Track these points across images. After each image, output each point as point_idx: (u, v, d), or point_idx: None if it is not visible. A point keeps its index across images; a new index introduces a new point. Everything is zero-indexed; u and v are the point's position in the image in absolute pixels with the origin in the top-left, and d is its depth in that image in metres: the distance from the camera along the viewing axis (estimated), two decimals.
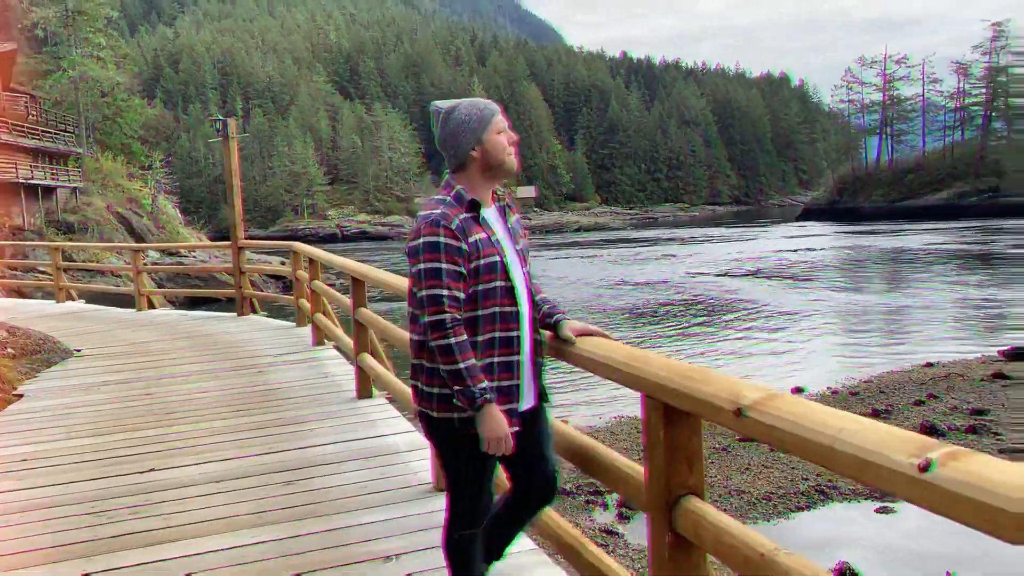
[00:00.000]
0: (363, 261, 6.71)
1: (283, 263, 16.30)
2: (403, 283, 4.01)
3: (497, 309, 2.41)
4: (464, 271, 2.35)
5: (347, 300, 6.40)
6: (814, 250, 45.81)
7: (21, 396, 6.88)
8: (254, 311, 11.57)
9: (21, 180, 37.65)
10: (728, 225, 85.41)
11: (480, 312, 2.39)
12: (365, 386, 6.28)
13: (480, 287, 2.38)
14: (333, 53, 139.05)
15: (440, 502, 4.06)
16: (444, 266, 2.33)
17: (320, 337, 8.53)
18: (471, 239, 2.37)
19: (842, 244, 49.40)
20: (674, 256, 46.98)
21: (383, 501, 4.12)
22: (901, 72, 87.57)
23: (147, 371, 7.74)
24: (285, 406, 6.20)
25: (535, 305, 2.59)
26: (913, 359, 15.18)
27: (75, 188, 42.59)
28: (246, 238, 11.58)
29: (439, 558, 3.23)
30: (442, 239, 2.34)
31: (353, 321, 6.14)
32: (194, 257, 37.27)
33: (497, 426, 2.35)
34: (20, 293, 20.83)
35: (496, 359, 2.41)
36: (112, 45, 54.19)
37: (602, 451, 2.58)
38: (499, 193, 2.54)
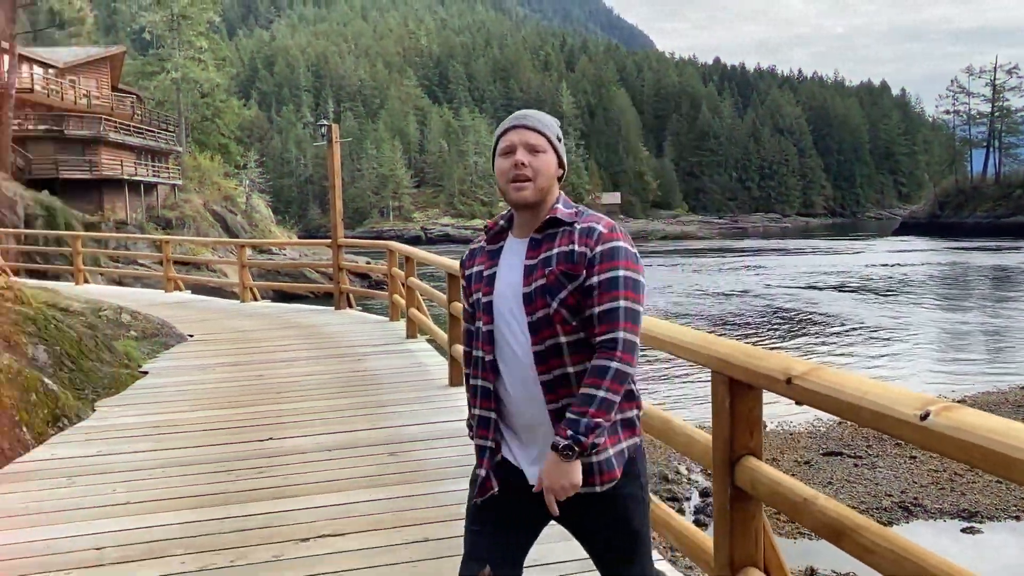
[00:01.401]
0: None
1: (368, 263, 16.95)
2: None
3: (478, 354, 2.07)
4: (467, 307, 2.18)
5: (442, 296, 6.82)
6: (911, 265, 44.44)
7: (146, 373, 7.55)
8: (350, 306, 12.17)
9: (125, 176, 39.84)
10: (821, 237, 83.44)
11: (472, 352, 2.12)
12: (457, 374, 6.68)
13: (475, 325, 2.11)
14: (423, 57, 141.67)
15: None
16: (463, 300, 2.21)
17: (414, 331, 8.99)
18: (468, 271, 2.16)
19: (941, 260, 47.74)
20: (762, 267, 46.27)
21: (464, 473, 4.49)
22: (1012, 83, 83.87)
23: (256, 355, 8.36)
24: (383, 390, 6.68)
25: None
26: (1012, 380, 14.79)
27: (174, 185, 44.77)
28: (318, 236, 12.17)
29: None
30: (460, 271, 2.24)
31: (448, 315, 6.52)
32: (284, 254, 38.75)
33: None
34: (119, 283, 22.12)
35: (476, 411, 2.09)
36: (212, 48, 56.61)
37: (675, 421, 2.89)
38: (556, 219, 2.03)
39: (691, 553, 2.82)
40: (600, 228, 1.98)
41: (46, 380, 5.92)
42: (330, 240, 11.79)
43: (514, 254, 2.05)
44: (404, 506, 4.02)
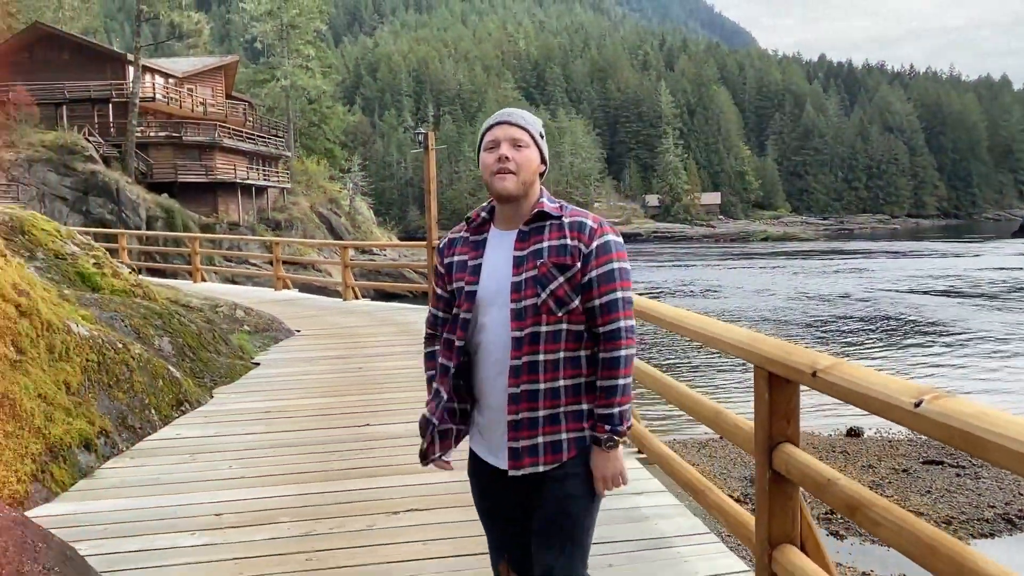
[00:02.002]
0: None
1: None
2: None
3: (453, 339, 2.14)
4: (440, 292, 2.24)
5: None
6: None
7: (258, 364, 8.21)
8: None
9: (238, 180, 41.93)
10: (933, 239, 79.93)
11: (444, 335, 2.20)
12: None
13: (454, 312, 2.18)
14: (521, 60, 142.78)
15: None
16: (434, 284, 2.29)
17: None
18: (447, 259, 2.21)
19: None
20: (868, 270, 44.80)
21: None
22: None
23: (356, 350, 8.95)
24: None
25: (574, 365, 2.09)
26: None
27: (283, 188, 46.76)
28: (415, 238, 12.69)
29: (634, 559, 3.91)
30: (436, 259, 2.30)
31: None
32: (384, 255, 40.01)
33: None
34: (232, 281, 23.39)
35: (442, 389, 2.18)
36: (319, 56, 58.68)
37: (724, 411, 3.15)
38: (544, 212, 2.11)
39: (735, 530, 3.08)
40: (590, 223, 2.09)
41: (171, 368, 6.57)
42: (426, 242, 12.33)
43: (500, 245, 2.12)
44: None
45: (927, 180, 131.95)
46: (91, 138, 38.11)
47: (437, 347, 2.24)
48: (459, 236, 2.22)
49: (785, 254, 63.97)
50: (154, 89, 42.34)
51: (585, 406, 2.10)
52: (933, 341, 21.55)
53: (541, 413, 2.06)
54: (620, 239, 2.12)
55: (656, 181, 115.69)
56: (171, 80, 44.65)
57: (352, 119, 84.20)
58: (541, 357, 2.05)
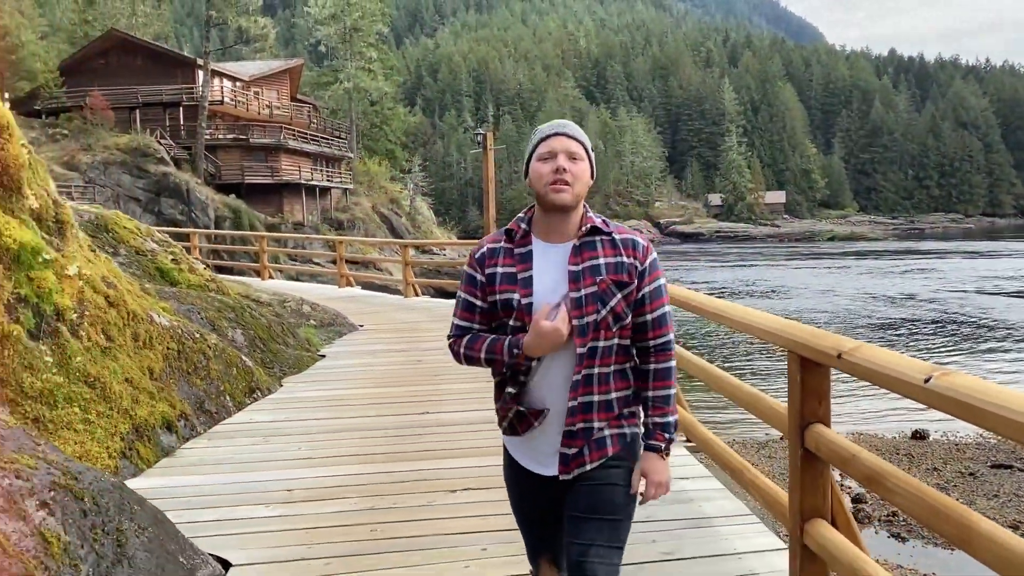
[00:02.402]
0: None
1: None
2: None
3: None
4: (479, 303, 2.18)
5: None
6: None
7: (323, 356, 8.60)
8: None
9: (303, 181, 42.95)
10: (1009, 239, 77.24)
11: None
12: None
13: (495, 324, 2.19)
14: (582, 59, 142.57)
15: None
16: (461, 295, 2.23)
17: None
18: (489, 270, 2.16)
19: None
20: (939, 271, 43.61)
21: None
22: None
23: (416, 343, 9.28)
24: None
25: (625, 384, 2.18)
26: None
27: (346, 189, 47.71)
28: (475, 236, 12.97)
29: (681, 537, 4.10)
30: (465, 268, 2.25)
31: None
32: (443, 253, 40.55)
33: (542, 337, 2.05)
34: (296, 279, 24.05)
35: (502, 404, 2.21)
36: (381, 58, 59.61)
37: (761, 395, 3.32)
38: (593, 227, 2.15)
39: (771, 507, 3.25)
40: (642, 241, 2.18)
41: (244, 358, 6.97)
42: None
43: (551, 258, 2.12)
44: None
45: (1003, 177, 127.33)
46: (163, 141, 39.51)
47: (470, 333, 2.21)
48: (499, 247, 2.18)
49: (852, 254, 62.66)
50: (222, 93, 43.64)
51: (626, 410, 2.18)
52: (1010, 346, 21.00)
53: (595, 424, 2.12)
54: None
55: (719, 180, 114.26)
56: (238, 84, 45.95)
57: (413, 120, 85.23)
58: (596, 370, 2.11)
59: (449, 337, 2.24)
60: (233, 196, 39.35)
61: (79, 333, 5.07)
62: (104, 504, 3.12)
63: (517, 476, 2.26)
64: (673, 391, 2.17)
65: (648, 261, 2.15)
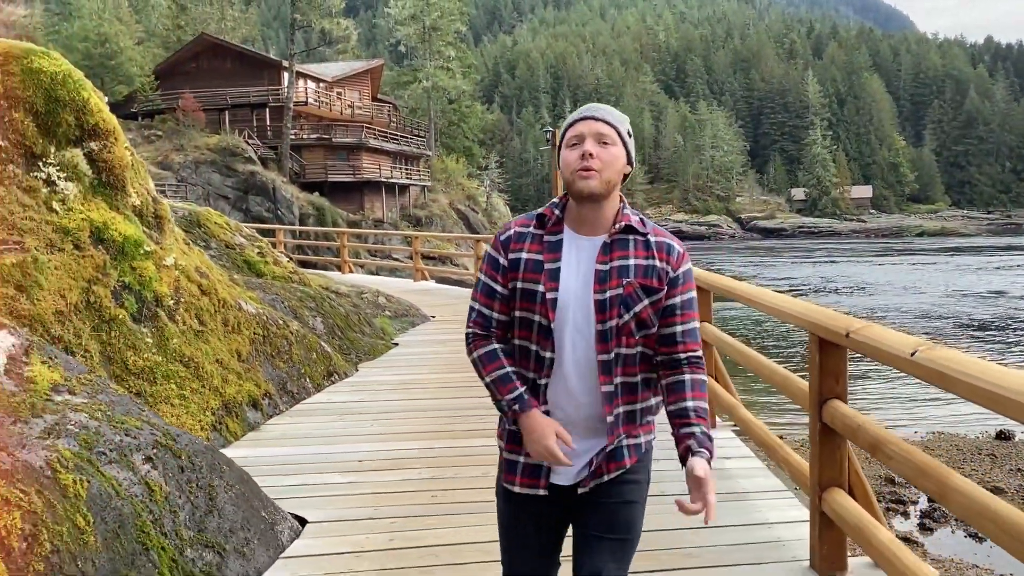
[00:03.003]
0: None
1: None
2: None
3: (528, 345, 2.02)
4: (499, 288, 2.04)
5: None
6: None
7: (397, 344, 9.08)
8: None
9: (383, 179, 44.02)
10: None
11: (514, 342, 2.06)
12: None
13: (517, 314, 2.02)
14: (661, 52, 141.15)
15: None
16: (483, 277, 2.08)
17: None
18: (513, 255, 2.02)
19: None
20: None
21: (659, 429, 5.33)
22: None
23: None
24: None
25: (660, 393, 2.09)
26: None
27: (424, 186, 48.65)
28: None
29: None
30: (489, 249, 2.09)
31: None
32: None
33: (537, 435, 1.96)
34: (375, 273, 24.83)
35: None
36: (459, 56, 60.43)
37: (791, 376, 3.56)
38: (628, 225, 2.01)
39: (797, 478, 3.48)
40: (677, 247, 2.03)
41: (323, 344, 7.47)
42: None
43: (581, 252, 1.99)
44: None
45: None
46: (250, 141, 41.07)
47: (496, 344, 2.06)
48: (528, 231, 2.04)
49: (943, 250, 60.59)
50: (306, 93, 45.04)
51: (649, 418, 2.11)
52: None
53: (624, 435, 2.03)
54: None
55: (802, 174, 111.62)
56: (322, 84, 47.33)
57: (490, 117, 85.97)
58: (639, 377, 2.02)
59: (468, 322, 2.10)
60: (317, 194, 40.63)
61: (175, 318, 5.60)
62: (198, 463, 3.58)
63: (519, 494, 2.07)
64: (706, 404, 2.03)
65: (682, 269, 2.02)
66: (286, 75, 43.04)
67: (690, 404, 1.99)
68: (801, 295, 32.68)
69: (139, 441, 3.35)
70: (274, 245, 18.83)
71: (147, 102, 43.00)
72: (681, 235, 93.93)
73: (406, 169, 48.13)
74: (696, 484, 1.89)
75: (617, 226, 1.99)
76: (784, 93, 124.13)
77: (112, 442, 3.17)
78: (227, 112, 42.58)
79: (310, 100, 45.25)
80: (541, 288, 1.97)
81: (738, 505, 3.95)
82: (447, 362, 8.00)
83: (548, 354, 1.99)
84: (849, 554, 3.22)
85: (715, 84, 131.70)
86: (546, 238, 2.02)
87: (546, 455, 1.95)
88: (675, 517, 3.81)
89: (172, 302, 5.63)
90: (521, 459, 2.05)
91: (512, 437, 2.06)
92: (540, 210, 2.08)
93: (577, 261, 1.99)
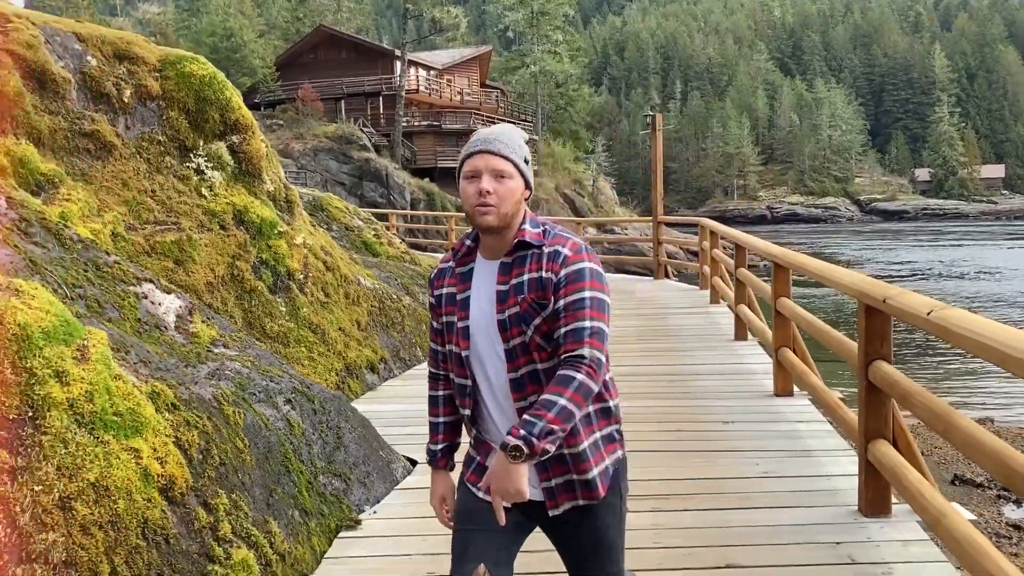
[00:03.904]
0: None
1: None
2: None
3: (454, 377, 2.10)
4: (435, 323, 2.16)
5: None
6: None
7: None
8: (667, 276, 13.57)
9: None
10: None
11: (450, 376, 2.14)
12: (742, 331, 7.77)
13: (447, 347, 2.12)
14: (776, 29, 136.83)
15: (771, 404, 5.52)
16: (431, 319, 2.19)
17: (716, 296, 10.14)
18: (437, 291, 2.13)
19: None
20: None
21: (735, 396, 5.75)
22: None
23: None
24: (676, 340, 8.11)
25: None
26: None
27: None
28: (665, 214, 13.57)
29: (757, 434, 4.79)
30: (428, 289, 2.20)
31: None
32: (626, 231, 41.11)
33: (431, 494, 2.16)
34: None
35: (473, 431, 2.12)
36: (567, 39, 60.39)
37: (846, 340, 3.92)
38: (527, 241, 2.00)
39: (849, 431, 3.85)
40: (565, 251, 1.98)
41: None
42: (651, 217, 13.27)
43: (485, 277, 2.04)
44: (677, 409, 5.53)
45: None
46: (365, 129, 42.65)
47: (440, 391, 2.19)
48: (447, 267, 2.13)
49: None
50: (418, 81, 46.30)
51: (598, 435, 2.04)
52: None
53: (566, 451, 1.97)
54: (597, 266, 2.00)
55: (927, 153, 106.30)
56: (432, 72, 48.54)
57: (598, 100, 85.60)
58: (534, 397, 1.95)
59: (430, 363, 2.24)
60: (427, 180, 41.82)
61: (304, 290, 6.35)
62: (328, 408, 4.25)
63: (469, 501, 2.08)
64: (562, 401, 1.83)
65: (565, 272, 1.95)
66: (398, 64, 44.37)
67: (541, 396, 1.87)
68: (920, 280, 31.57)
69: (281, 387, 4.03)
70: (387, 228, 19.88)
71: (269, 93, 45.16)
72: (796, 218, 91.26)
73: None
74: (492, 472, 1.88)
75: (512, 244, 2.01)
76: (908, 68, 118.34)
77: (260, 386, 3.86)
78: (343, 101, 44.25)
79: (421, 88, 46.46)
80: (455, 319, 2.05)
81: (801, 460, 4.34)
82: None
83: (468, 382, 2.05)
84: (895, 502, 3.57)
85: (833, 60, 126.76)
86: (458, 270, 2.10)
87: (437, 516, 2.16)
88: (743, 469, 4.26)
89: (302, 276, 6.37)
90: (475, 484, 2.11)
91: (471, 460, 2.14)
92: (455, 243, 2.14)
93: (483, 287, 2.04)
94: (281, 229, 6.30)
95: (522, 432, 1.80)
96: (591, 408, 2.02)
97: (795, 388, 5.68)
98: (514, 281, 1.99)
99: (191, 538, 2.77)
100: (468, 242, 2.10)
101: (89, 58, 5.48)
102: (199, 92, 5.98)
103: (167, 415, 2.96)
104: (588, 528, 2.06)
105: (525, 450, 1.79)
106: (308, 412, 4.06)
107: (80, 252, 3.79)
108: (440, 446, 2.18)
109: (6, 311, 2.45)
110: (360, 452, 4.22)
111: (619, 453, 2.09)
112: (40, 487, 2.32)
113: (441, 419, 2.19)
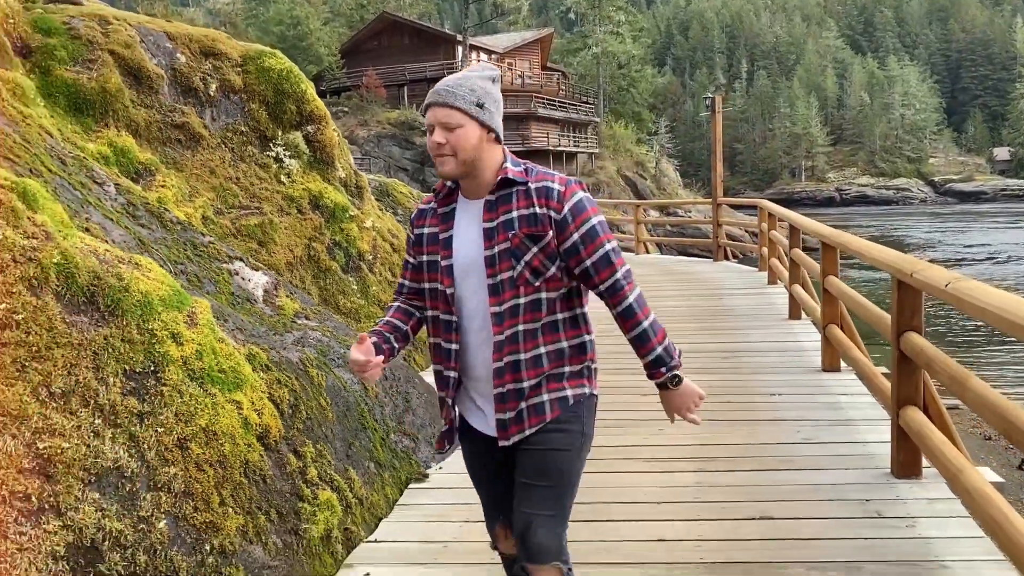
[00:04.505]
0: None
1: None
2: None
3: (438, 315, 2.16)
4: (411, 259, 2.24)
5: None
6: None
7: None
8: (727, 257, 13.70)
9: (551, 147, 44.97)
10: None
11: (428, 313, 2.21)
12: (796, 310, 7.95)
13: (425, 285, 2.19)
14: (846, 5, 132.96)
15: (818, 378, 5.74)
16: (406, 253, 2.28)
17: (773, 277, 10.27)
18: (418, 231, 2.21)
19: None
20: None
21: (784, 371, 5.99)
22: None
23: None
24: (732, 319, 8.32)
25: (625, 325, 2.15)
26: None
27: (591, 153, 49.18)
28: (729, 196, 13.67)
29: (801, 405, 5.03)
30: (408, 227, 2.29)
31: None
32: (688, 213, 40.91)
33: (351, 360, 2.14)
34: None
35: (437, 367, 2.21)
36: (630, 20, 59.94)
37: (881, 311, 4.15)
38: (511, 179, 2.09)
39: (879, 394, 4.09)
40: (557, 187, 2.08)
41: None
42: (711, 199, 13.40)
43: (469, 216, 2.12)
44: (728, 382, 5.81)
45: None
46: None
47: (396, 303, 2.28)
48: (428, 207, 2.21)
49: None
50: None
51: (567, 368, 2.15)
52: None
53: (526, 384, 2.08)
54: (588, 194, 2.13)
55: (1007, 131, 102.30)
56: (493, 56, 48.75)
57: (661, 81, 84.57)
58: (521, 328, 2.07)
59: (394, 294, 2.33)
60: None
61: (373, 270, 6.78)
62: (397, 374, 4.65)
63: (465, 433, 2.25)
64: (645, 324, 2.10)
65: (568, 207, 2.07)
66: (460, 49, 44.75)
67: (628, 336, 2.12)
68: (996, 264, 30.76)
69: None
70: None
71: (334, 80, 46.02)
72: (866, 200, 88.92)
73: (574, 137, 48.84)
74: (669, 405, 2.17)
75: (497, 182, 2.09)
76: (987, 44, 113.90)
77: (338, 353, 4.27)
78: (405, 87, 44.79)
79: None
80: (438, 258, 2.13)
81: (840, 428, 4.59)
82: (599, 319, 8.80)
83: (454, 318, 2.12)
84: (925, 466, 3.80)
85: (907, 37, 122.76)
86: (440, 211, 2.18)
87: (352, 366, 2.13)
88: (785, 436, 4.52)
89: (371, 257, 6.80)
90: (460, 402, 2.24)
91: (443, 380, 2.21)
92: (436, 184, 2.23)
93: (467, 226, 2.12)
94: (352, 213, 6.73)
95: (663, 369, 2.11)
96: (566, 344, 2.13)
97: (842, 364, 5.88)
98: (502, 218, 2.07)
99: (284, 479, 3.18)
100: (449, 183, 2.16)
101: (179, 55, 5.97)
102: (277, 85, 6.42)
103: (262, 374, 3.38)
104: (536, 449, 2.10)
105: (677, 374, 2.11)
106: (380, 378, 4.46)
107: (179, 233, 4.25)
108: (378, 328, 2.21)
109: (132, 281, 2.88)
110: (427, 415, 4.61)
111: (586, 389, 2.17)
112: (162, 429, 2.74)
113: (387, 317, 2.24)
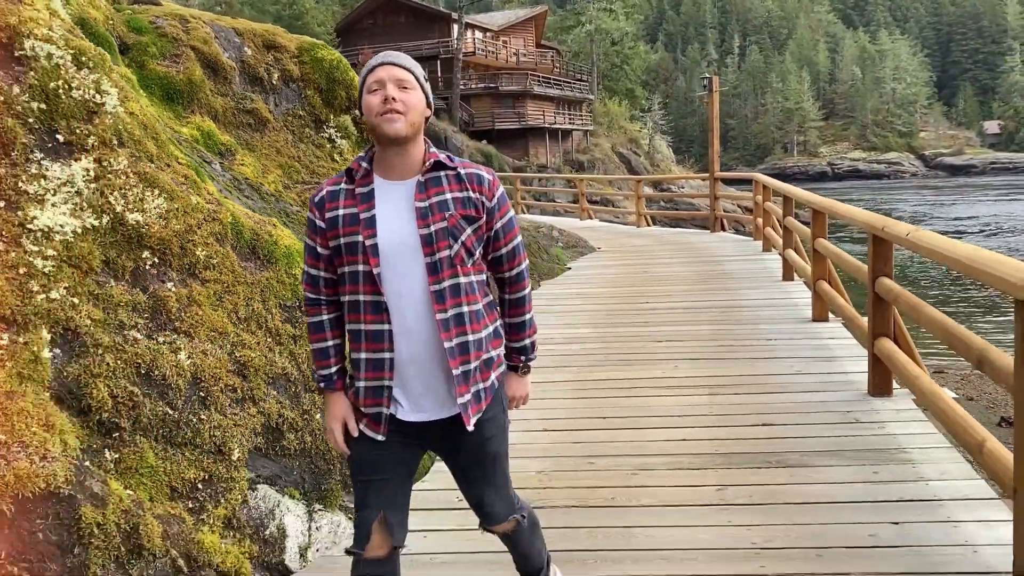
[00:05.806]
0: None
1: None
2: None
3: (360, 297, 2.11)
4: (320, 249, 2.16)
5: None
6: None
7: (569, 268, 10.89)
8: (723, 229, 14.56)
9: (546, 125, 45.54)
10: None
11: (345, 298, 2.15)
12: (789, 273, 8.81)
13: (344, 269, 2.13)
14: None
15: (809, 327, 6.61)
16: (307, 241, 2.21)
17: (768, 245, 11.13)
18: (330, 214, 2.12)
19: None
20: None
21: (779, 321, 6.89)
22: None
23: (643, 260, 11.32)
24: (729, 280, 9.22)
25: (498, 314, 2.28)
26: None
27: (586, 131, 49.76)
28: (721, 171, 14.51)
29: (794, 347, 5.90)
30: (308, 213, 2.23)
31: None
32: (682, 188, 41.70)
33: (328, 418, 2.22)
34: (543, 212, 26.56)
35: (363, 354, 2.13)
36: None
37: (860, 264, 5.03)
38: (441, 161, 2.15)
39: (859, 330, 4.97)
40: (488, 176, 2.19)
41: None
42: (708, 174, 14.24)
43: (396, 196, 2.10)
44: (730, 330, 6.70)
45: None
46: None
47: (324, 315, 2.22)
48: (339, 189, 2.15)
49: None
50: (474, 44, 46.96)
51: (493, 353, 2.23)
52: None
53: (473, 364, 2.14)
54: None
55: (997, 105, 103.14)
56: (488, 34, 49.18)
57: (654, 57, 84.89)
58: (465, 308, 2.12)
59: (302, 284, 2.27)
60: (484, 142, 42.78)
61: None
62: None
63: (361, 436, 2.20)
64: (527, 317, 2.31)
65: (496, 197, 2.19)
66: (455, 27, 45.15)
67: (507, 321, 2.29)
68: (988, 236, 31.65)
69: None
70: None
71: None
72: (858, 174, 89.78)
73: (569, 114, 49.35)
74: (510, 387, 2.33)
75: (427, 164, 2.13)
76: (978, 17, 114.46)
77: None
78: None
79: (477, 50, 47.12)
80: (360, 238, 2.07)
81: (827, 363, 5.50)
82: (612, 280, 9.74)
83: (382, 299, 2.08)
84: (896, 388, 4.68)
85: (898, 11, 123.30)
86: (357, 191, 2.12)
87: (328, 437, 2.22)
88: (781, 368, 5.39)
89: None
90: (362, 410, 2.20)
91: (374, 364, 2.15)
92: (349, 165, 2.18)
93: (392, 206, 2.10)
94: None
95: (523, 358, 2.32)
96: (491, 328, 2.23)
97: (830, 316, 6.74)
98: (435, 199, 2.11)
99: None
100: (364, 164, 2.14)
101: (246, 48, 6.75)
102: (329, 74, 7.20)
103: None
104: (474, 440, 2.20)
105: (531, 365, 2.36)
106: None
107: (274, 203, 5.07)
108: (334, 369, 2.21)
109: (278, 237, 3.71)
110: None
111: (502, 367, 2.31)
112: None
113: (330, 343, 2.22)
